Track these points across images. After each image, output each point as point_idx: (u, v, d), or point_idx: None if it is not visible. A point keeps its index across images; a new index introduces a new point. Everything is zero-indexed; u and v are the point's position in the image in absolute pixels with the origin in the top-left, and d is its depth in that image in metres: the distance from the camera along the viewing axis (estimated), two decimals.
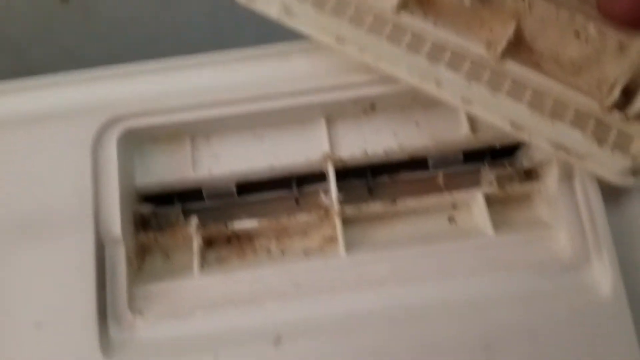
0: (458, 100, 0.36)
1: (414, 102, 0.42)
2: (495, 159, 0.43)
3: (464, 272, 0.37)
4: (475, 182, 0.44)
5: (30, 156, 0.38)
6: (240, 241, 0.42)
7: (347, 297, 0.37)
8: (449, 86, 0.36)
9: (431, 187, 0.44)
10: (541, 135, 0.36)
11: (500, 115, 0.36)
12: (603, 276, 0.36)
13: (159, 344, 0.36)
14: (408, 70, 0.37)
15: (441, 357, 0.35)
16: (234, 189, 0.42)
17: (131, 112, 0.39)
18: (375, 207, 0.40)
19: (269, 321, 0.36)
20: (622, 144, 0.35)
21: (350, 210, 0.40)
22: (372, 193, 0.45)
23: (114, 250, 0.37)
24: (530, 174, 0.43)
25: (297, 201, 0.45)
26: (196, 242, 0.40)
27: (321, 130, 0.42)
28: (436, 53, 0.37)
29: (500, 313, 0.36)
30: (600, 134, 0.36)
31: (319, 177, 0.44)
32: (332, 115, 0.42)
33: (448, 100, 0.36)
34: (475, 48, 0.37)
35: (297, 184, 0.44)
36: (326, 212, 0.40)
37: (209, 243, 0.41)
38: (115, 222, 0.37)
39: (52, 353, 0.35)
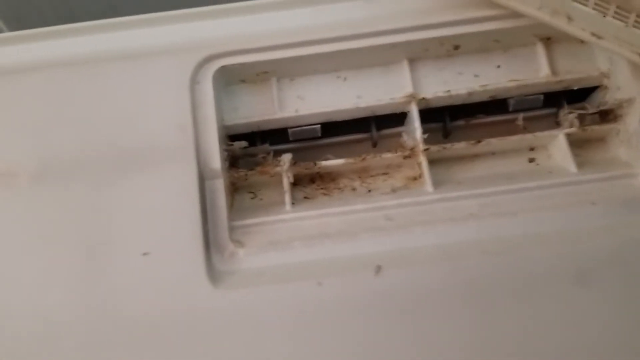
0: (588, 35, 0.36)
1: (496, 44, 0.42)
2: (570, 102, 0.44)
3: (552, 206, 0.38)
4: (551, 125, 0.44)
5: (132, 91, 0.39)
6: (324, 180, 0.43)
7: (439, 229, 0.38)
8: (580, 20, 0.37)
9: (509, 130, 0.44)
10: None
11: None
12: None
13: (262, 272, 0.37)
14: (539, 5, 0.37)
15: (536, 287, 0.36)
16: (319, 130, 0.43)
17: (225, 51, 0.40)
18: (459, 146, 0.41)
19: (367, 252, 0.37)
20: None
21: (435, 148, 0.41)
22: (447, 136, 0.45)
23: (214, 184, 0.38)
24: (606, 116, 0.44)
25: (374, 144, 0.45)
26: (286, 179, 0.41)
27: (404, 71, 0.43)
28: None
29: (592, 243, 0.37)
30: None
31: (395, 119, 0.45)
32: (415, 56, 0.43)
33: (578, 34, 0.37)
34: None
35: (376, 127, 0.44)
36: (411, 151, 0.41)
37: (294, 182, 0.42)
38: (214, 157, 0.38)
39: (160, 281, 0.36)
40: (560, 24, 0.37)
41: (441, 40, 0.41)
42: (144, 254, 0.36)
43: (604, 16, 0.36)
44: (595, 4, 0.36)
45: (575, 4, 0.36)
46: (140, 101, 0.39)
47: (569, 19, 0.37)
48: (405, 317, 0.36)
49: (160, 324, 0.35)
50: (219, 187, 0.38)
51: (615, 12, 0.35)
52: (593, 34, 0.36)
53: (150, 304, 0.36)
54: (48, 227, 0.36)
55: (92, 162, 0.38)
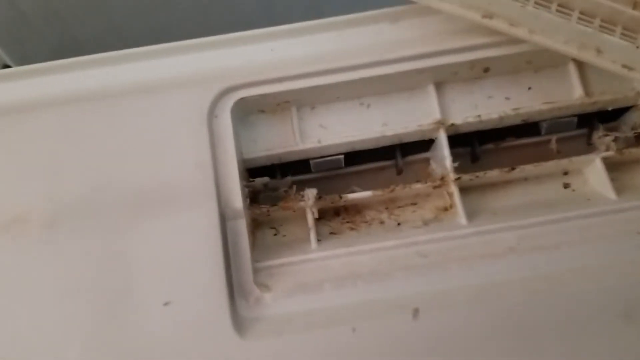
0: (618, 67, 0.34)
1: (527, 66, 0.40)
2: (602, 122, 0.42)
3: (595, 237, 0.36)
4: (582, 146, 0.42)
5: (147, 127, 0.37)
6: (349, 213, 0.41)
7: (477, 266, 0.36)
8: (611, 52, 0.35)
9: (539, 153, 0.42)
10: None
11: None
12: None
13: (291, 318, 0.35)
14: (565, 39, 0.35)
15: (583, 325, 0.34)
16: (342, 160, 0.41)
17: (244, 82, 0.38)
18: (492, 174, 0.39)
19: (403, 293, 0.35)
20: None
21: (466, 177, 0.38)
22: (476, 161, 0.43)
23: (236, 225, 0.36)
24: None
25: (399, 172, 0.43)
26: (310, 215, 0.38)
27: (431, 96, 0.41)
28: (588, 19, 0.36)
29: (639, 276, 0.34)
30: None
31: (420, 145, 0.43)
32: (442, 80, 0.40)
33: (608, 67, 0.35)
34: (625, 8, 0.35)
35: (400, 154, 0.42)
36: (442, 180, 0.39)
37: (318, 217, 0.40)
38: (236, 196, 0.36)
39: (183, 333, 0.34)
40: (589, 57, 0.35)
41: (472, 63, 0.38)
42: (166, 303, 0.33)
43: (637, 47, 0.35)
44: (622, 34, 0.33)
45: (605, 36, 0.35)
46: (156, 138, 0.36)
47: (598, 51, 0.34)
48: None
49: None
50: (242, 227, 0.36)
51: None
52: (624, 66, 0.34)
53: (174, 358, 0.33)
54: (62, 278, 0.34)
55: (106, 206, 0.35)
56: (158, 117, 0.37)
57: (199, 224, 0.35)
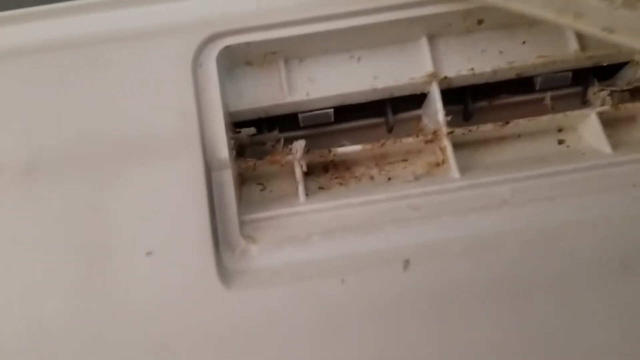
0: (598, 30, 0.33)
1: (521, 19, 0.39)
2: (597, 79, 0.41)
3: (590, 190, 0.35)
4: (576, 104, 0.41)
5: (130, 75, 0.35)
6: (338, 169, 0.40)
7: (470, 218, 0.35)
8: (589, 16, 0.33)
9: (534, 111, 0.41)
10: None
11: None
12: None
13: (278, 270, 0.33)
14: (542, 3, 0.34)
15: (577, 278, 0.33)
16: (332, 114, 0.39)
17: (230, 29, 0.36)
18: (486, 128, 0.38)
19: (393, 245, 0.34)
20: None
21: (459, 131, 0.37)
22: (469, 119, 0.42)
23: (222, 175, 0.35)
24: (637, 93, 0.40)
25: (390, 129, 0.42)
26: (299, 169, 0.37)
27: (423, 48, 0.39)
28: None
29: (636, 229, 0.33)
30: None
31: (410, 103, 0.42)
32: (435, 33, 0.39)
33: (588, 31, 0.33)
34: None
35: (391, 110, 0.41)
36: (434, 135, 0.37)
37: (306, 172, 0.38)
38: (221, 146, 0.35)
39: (166, 284, 0.33)
40: (568, 21, 0.33)
41: (465, 13, 0.37)
42: (148, 253, 0.32)
43: (615, 9, 0.33)
44: None
45: None
46: (138, 86, 0.35)
47: (577, 15, 0.33)
48: (437, 314, 0.33)
49: (169, 330, 0.32)
50: (227, 178, 0.35)
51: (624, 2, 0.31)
52: (604, 29, 0.33)
53: (157, 309, 0.32)
54: (41, 228, 0.33)
55: (87, 155, 0.34)
56: (141, 65, 0.35)
57: (183, 174, 0.34)
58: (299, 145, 0.37)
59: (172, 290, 0.32)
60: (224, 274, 0.33)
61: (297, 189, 0.37)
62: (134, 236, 0.33)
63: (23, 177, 0.33)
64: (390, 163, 0.40)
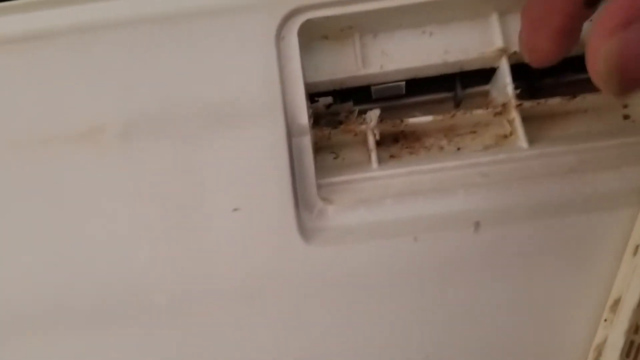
0: None
1: None
2: None
3: None
4: None
5: (217, 47, 0.38)
6: (408, 140, 0.42)
7: (538, 185, 0.36)
8: None
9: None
10: None
11: None
12: None
13: (353, 229, 0.35)
14: None
15: None
16: (403, 87, 0.41)
17: (310, 4, 0.38)
18: (554, 102, 0.39)
19: (463, 208, 0.36)
20: None
21: (528, 104, 0.39)
22: (535, 95, 0.43)
23: (301, 141, 0.37)
24: None
25: (457, 104, 0.44)
26: (372, 137, 0.39)
27: (493, 25, 0.41)
28: None
29: None
30: None
31: (479, 79, 0.44)
32: (505, 9, 0.40)
33: None
34: None
35: (460, 85, 0.43)
36: (503, 107, 0.39)
37: (377, 142, 0.40)
38: (302, 113, 0.37)
39: (251, 237, 0.35)
40: None
41: None
42: (235, 209, 0.35)
43: None
44: None
45: None
46: (226, 58, 0.38)
47: None
48: (507, 273, 0.34)
49: (253, 280, 0.34)
50: (307, 144, 0.37)
51: None
52: None
53: (242, 261, 0.35)
54: (136, 184, 0.36)
55: (178, 119, 0.37)
56: (228, 38, 0.38)
57: (266, 137, 0.36)
58: (374, 114, 0.39)
59: (256, 244, 0.35)
60: (304, 231, 0.35)
61: (369, 157, 0.39)
62: (221, 194, 0.36)
63: (122, 137, 0.36)
64: (459, 135, 0.42)
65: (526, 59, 0.31)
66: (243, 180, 0.36)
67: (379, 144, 0.41)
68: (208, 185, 0.36)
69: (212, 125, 0.37)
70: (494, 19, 0.41)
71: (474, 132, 0.42)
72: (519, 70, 0.41)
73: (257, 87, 0.37)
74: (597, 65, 0.23)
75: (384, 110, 0.43)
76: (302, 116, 0.37)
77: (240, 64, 0.37)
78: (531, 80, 0.43)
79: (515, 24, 0.41)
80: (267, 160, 0.36)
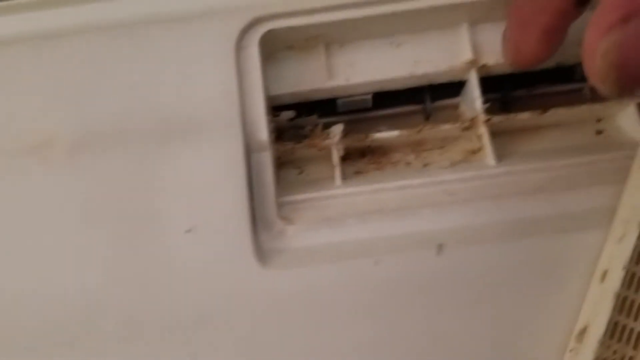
0: None
1: None
2: None
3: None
4: None
5: (174, 56, 0.36)
6: (375, 155, 0.41)
7: (507, 204, 0.35)
8: None
9: (572, 101, 0.41)
10: None
11: None
12: None
13: (314, 251, 0.34)
14: None
15: None
16: (370, 100, 0.40)
17: (273, 13, 0.36)
18: (524, 117, 0.38)
19: (427, 229, 0.34)
20: None
21: (497, 119, 0.37)
22: (506, 108, 0.42)
23: (261, 157, 0.36)
24: None
25: (427, 117, 0.42)
26: (336, 153, 0.38)
27: (463, 36, 0.39)
28: None
29: None
30: None
31: (448, 91, 0.42)
32: (476, 19, 0.39)
33: None
34: None
35: (429, 98, 0.42)
36: (471, 122, 0.38)
37: (343, 157, 0.39)
38: (261, 128, 0.36)
39: (204, 260, 0.34)
40: None
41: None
42: (188, 230, 0.33)
43: None
44: None
45: None
46: (183, 68, 0.36)
47: None
48: (469, 298, 0.32)
49: (205, 305, 0.33)
50: (266, 160, 0.35)
51: None
52: None
53: (194, 286, 0.33)
54: (86, 202, 0.34)
55: (131, 133, 0.35)
56: (186, 46, 0.36)
57: (223, 153, 0.34)
58: (337, 129, 0.38)
59: (210, 267, 0.33)
60: (261, 252, 0.34)
61: (333, 173, 0.37)
62: (175, 213, 0.34)
63: (72, 149, 0.35)
64: (426, 150, 0.40)
65: (508, 60, 0.30)
66: (198, 199, 0.34)
67: (345, 158, 0.40)
68: (161, 204, 0.34)
69: (166, 141, 0.35)
70: (464, 29, 0.39)
71: (442, 147, 0.40)
72: (490, 82, 0.40)
73: (214, 100, 0.35)
74: (595, 61, 0.22)
75: (350, 123, 0.42)
76: (262, 131, 0.35)
77: (197, 75, 0.36)
78: (503, 92, 0.41)
79: (486, 34, 0.40)
80: (223, 178, 0.34)
